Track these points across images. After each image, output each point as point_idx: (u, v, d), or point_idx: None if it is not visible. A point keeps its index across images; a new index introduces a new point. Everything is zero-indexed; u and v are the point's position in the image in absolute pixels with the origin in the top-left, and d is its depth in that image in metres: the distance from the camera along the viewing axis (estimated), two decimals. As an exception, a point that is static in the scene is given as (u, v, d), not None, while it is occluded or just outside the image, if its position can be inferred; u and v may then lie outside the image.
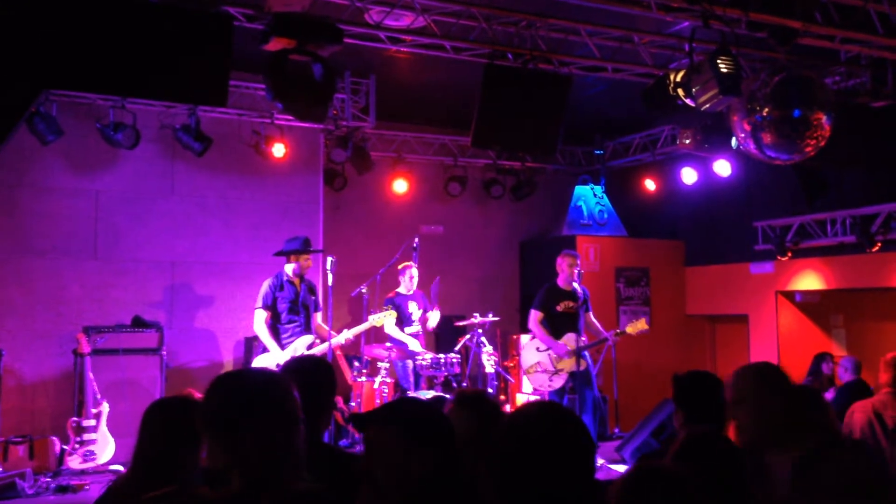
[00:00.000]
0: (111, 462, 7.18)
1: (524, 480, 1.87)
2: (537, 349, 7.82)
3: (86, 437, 7.10)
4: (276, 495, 1.95)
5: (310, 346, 7.20)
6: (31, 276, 7.88)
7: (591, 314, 7.90)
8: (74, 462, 7.02)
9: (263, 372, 2.20)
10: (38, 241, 7.93)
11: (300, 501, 2.03)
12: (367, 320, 7.51)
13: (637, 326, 7.68)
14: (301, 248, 7.29)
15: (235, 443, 1.94)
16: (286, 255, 7.34)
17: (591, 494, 1.89)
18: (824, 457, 2.61)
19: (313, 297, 7.42)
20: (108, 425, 7.22)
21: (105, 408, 7.26)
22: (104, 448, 7.15)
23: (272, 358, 7.09)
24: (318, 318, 7.53)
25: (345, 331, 7.33)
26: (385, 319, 7.68)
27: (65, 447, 7.10)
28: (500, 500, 1.90)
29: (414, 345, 8.22)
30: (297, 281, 7.31)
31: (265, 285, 7.28)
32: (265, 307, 7.19)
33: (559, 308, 7.71)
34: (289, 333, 7.22)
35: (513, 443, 1.93)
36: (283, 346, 7.14)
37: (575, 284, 7.61)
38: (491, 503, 1.94)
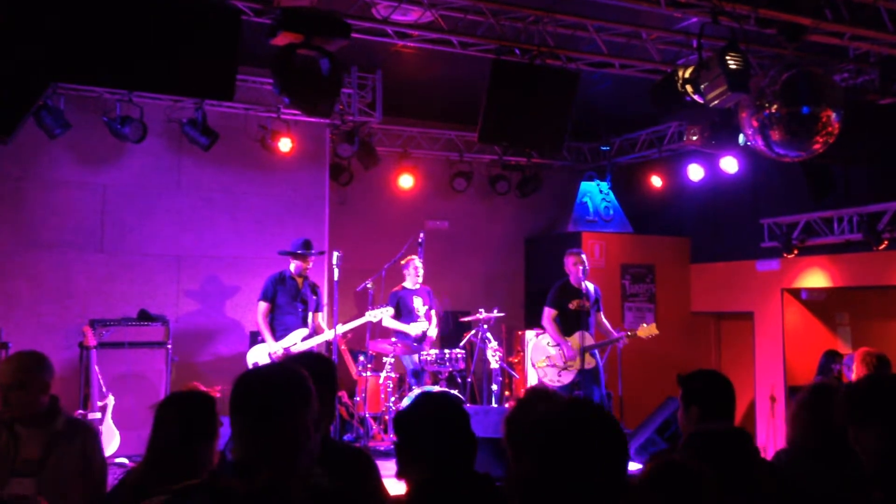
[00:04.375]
0: (116, 455, 7.20)
1: (555, 476, 1.86)
2: (548, 344, 7.85)
3: (91, 429, 7.11)
4: (302, 490, 1.96)
5: (305, 339, 7.35)
6: (38, 269, 7.90)
7: (601, 315, 7.95)
8: (80, 455, 7.03)
9: (291, 368, 2.21)
10: (44, 234, 7.95)
11: (325, 499, 2.04)
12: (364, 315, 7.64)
13: (648, 330, 7.71)
14: (299, 250, 7.52)
15: (268, 432, 1.95)
16: (288, 255, 7.59)
17: (620, 493, 1.88)
18: None
19: (315, 297, 7.65)
20: (113, 418, 7.24)
21: (110, 401, 7.27)
22: (109, 441, 7.16)
23: (266, 348, 7.30)
24: (319, 318, 7.71)
25: (338, 325, 7.37)
26: (382, 315, 7.73)
27: (70, 440, 7.11)
28: (529, 495, 1.90)
29: (415, 329, 8.24)
30: (299, 280, 7.60)
31: (267, 279, 7.57)
32: (265, 299, 7.50)
33: (571, 306, 7.75)
34: (285, 326, 7.45)
35: (544, 439, 1.92)
36: (278, 339, 7.35)
37: (588, 284, 7.66)
38: (519, 498, 1.94)
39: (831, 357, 8.31)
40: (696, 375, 3.42)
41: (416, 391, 7.84)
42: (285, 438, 1.97)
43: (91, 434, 3.44)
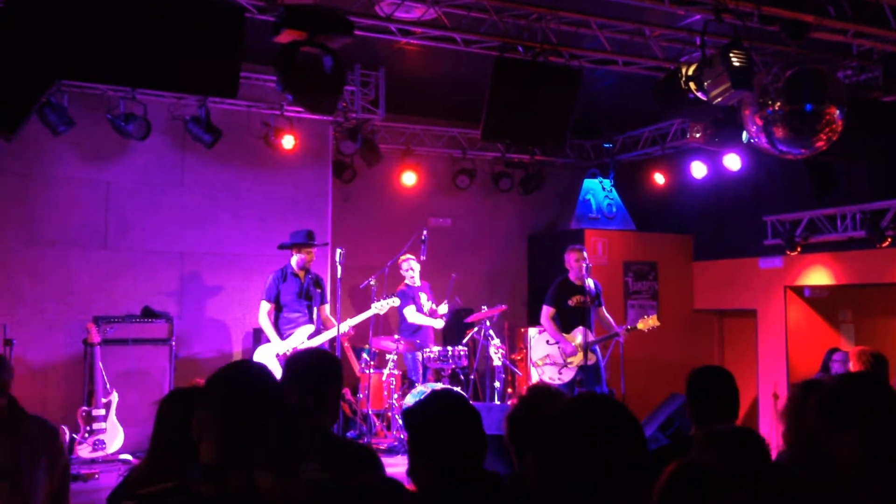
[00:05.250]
0: (120, 451, 7.24)
1: (570, 473, 1.86)
2: (547, 342, 7.84)
3: (95, 426, 7.15)
4: (277, 489, 1.95)
5: (311, 336, 7.29)
6: (42, 266, 7.92)
7: (603, 309, 7.93)
8: (84, 451, 7.07)
9: (259, 368, 2.18)
10: (48, 231, 7.97)
11: (329, 497, 2.03)
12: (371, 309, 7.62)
13: (648, 323, 7.69)
14: (303, 241, 7.38)
15: (238, 436, 1.93)
16: (289, 248, 7.45)
17: (639, 488, 1.88)
18: None
19: (319, 290, 7.53)
20: (117, 415, 7.27)
21: (114, 397, 7.30)
22: (113, 437, 7.20)
23: (272, 348, 7.23)
24: (326, 310, 7.62)
25: (348, 319, 7.39)
26: (388, 305, 7.74)
27: (74, 436, 7.15)
28: (545, 491, 1.89)
29: (438, 322, 8.39)
30: (301, 273, 7.44)
31: (269, 278, 7.48)
32: (268, 299, 7.41)
33: (571, 303, 7.73)
34: (292, 325, 7.38)
35: (561, 434, 1.92)
36: (284, 338, 7.27)
37: (589, 280, 7.64)
38: (537, 494, 1.93)
39: (830, 353, 8.30)
40: (697, 373, 3.42)
41: (420, 388, 7.86)
42: (256, 441, 1.95)
43: (55, 434, 3.41)
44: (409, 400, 7.74)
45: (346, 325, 7.34)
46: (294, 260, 7.46)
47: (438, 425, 2.56)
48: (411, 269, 8.49)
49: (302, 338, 7.27)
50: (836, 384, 2.66)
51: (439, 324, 8.55)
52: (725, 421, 3.27)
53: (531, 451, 2.02)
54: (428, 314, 8.48)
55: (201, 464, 1.96)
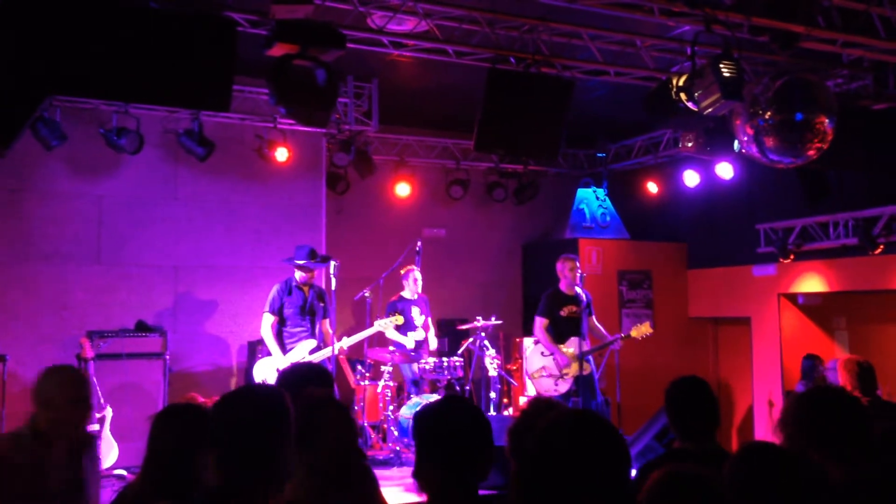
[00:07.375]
0: (115, 466, 7.20)
1: (554, 487, 1.86)
2: (542, 354, 7.82)
3: (89, 441, 7.10)
4: None
5: (312, 351, 7.23)
6: (35, 281, 7.90)
7: (593, 318, 7.92)
8: (78, 466, 7.02)
9: (272, 390, 2.18)
10: (41, 246, 7.95)
11: None
12: (371, 325, 7.55)
13: (641, 330, 7.68)
14: (306, 259, 7.29)
15: (253, 458, 1.93)
16: (293, 265, 7.40)
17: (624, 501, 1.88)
18: None
19: (321, 304, 7.46)
20: (111, 430, 7.23)
21: (108, 412, 7.27)
22: (108, 452, 7.16)
23: (273, 362, 7.16)
24: (326, 324, 7.55)
25: (345, 338, 7.37)
26: (393, 323, 7.71)
27: (69, 451, 7.10)
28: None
29: (411, 341, 8.29)
30: (305, 288, 7.37)
31: (274, 290, 7.39)
32: (272, 312, 7.30)
33: (563, 313, 7.72)
34: (294, 339, 7.30)
35: (544, 449, 1.92)
36: (286, 351, 7.20)
37: (577, 288, 7.62)
38: None
39: (812, 360, 8.30)
40: (674, 386, 3.36)
41: (415, 399, 7.85)
42: (270, 462, 1.95)
43: None
44: (405, 412, 7.73)
45: (346, 343, 7.30)
46: (298, 274, 7.37)
47: (449, 430, 2.51)
48: (416, 280, 8.45)
49: (304, 353, 7.18)
50: (808, 398, 2.71)
51: (410, 343, 8.37)
52: (708, 431, 3.26)
53: (530, 465, 2.02)
54: (421, 327, 8.47)
55: (206, 486, 1.95)
